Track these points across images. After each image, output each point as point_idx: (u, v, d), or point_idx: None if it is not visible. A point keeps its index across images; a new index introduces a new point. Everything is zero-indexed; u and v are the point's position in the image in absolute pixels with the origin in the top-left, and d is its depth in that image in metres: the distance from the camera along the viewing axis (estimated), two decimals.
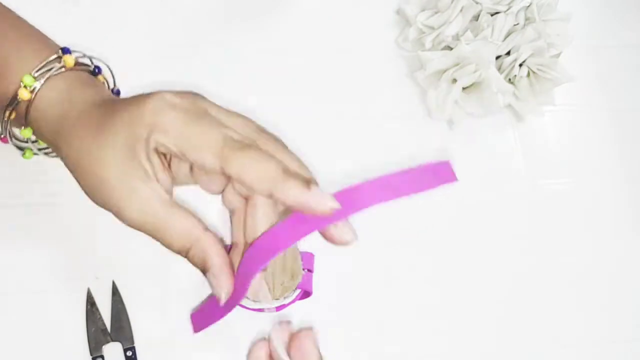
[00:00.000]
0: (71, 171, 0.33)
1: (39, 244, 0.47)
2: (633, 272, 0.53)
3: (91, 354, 0.44)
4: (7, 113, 0.35)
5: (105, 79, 0.41)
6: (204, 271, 0.31)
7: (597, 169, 0.56)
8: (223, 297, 0.31)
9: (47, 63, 0.35)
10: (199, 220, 0.31)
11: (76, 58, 0.37)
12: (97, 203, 0.33)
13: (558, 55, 0.55)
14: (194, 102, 0.31)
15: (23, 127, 0.35)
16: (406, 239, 0.51)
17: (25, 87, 0.34)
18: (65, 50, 0.37)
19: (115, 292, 0.46)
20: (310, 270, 0.46)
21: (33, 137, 0.37)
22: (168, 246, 0.32)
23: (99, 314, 0.45)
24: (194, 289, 0.48)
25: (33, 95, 0.34)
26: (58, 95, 0.35)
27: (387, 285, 0.50)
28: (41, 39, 0.38)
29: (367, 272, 0.49)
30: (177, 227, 0.31)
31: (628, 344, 0.51)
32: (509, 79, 0.54)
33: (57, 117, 0.34)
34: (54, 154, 0.40)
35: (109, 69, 0.41)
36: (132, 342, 0.45)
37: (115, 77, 0.50)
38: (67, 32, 0.52)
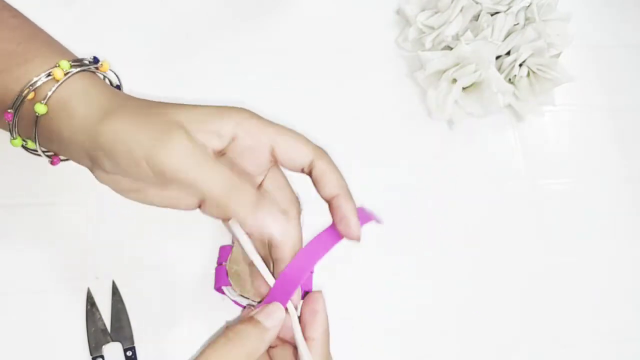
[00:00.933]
0: (112, 149, 0.33)
1: (39, 244, 0.47)
2: (633, 272, 0.53)
3: (91, 354, 0.44)
4: (27, 90, 0.35)
5: None
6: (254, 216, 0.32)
7: (597, 169, 0.56)
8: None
9: (82, 59, 0.37)
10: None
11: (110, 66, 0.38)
12: (139, 157, 0.32)
13: (558, 55, 0.55)
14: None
15: (40, 103, 0.34)
16: (406, 239, 0.51)
17: (60, 68, 0.35)
18: (96, 59, 0.38)
19: (115, 292, 0.46)
20: (310, 271, 0.46)
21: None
22: (209, 192, 0.32)
23: (99, 314, 0.45)
24: (194, 289, 0.48)
25: (65, 78, 0.35)
26: (90, 85, 0.35)
27: (385, 286, 0.50)
28: (66, 48, 0.39)
29: (367, 273, 0.49)
30: (222, 174, 0.32)
31: (628, 344, 0.51)
32: (509, 79, 0.54)
33: (98, 98, 0.34)
34: (48, 152, 0.40)
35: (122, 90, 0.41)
36: (132, 342, 0.45)
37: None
38: (66, 32, 0.52)
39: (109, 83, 0.39)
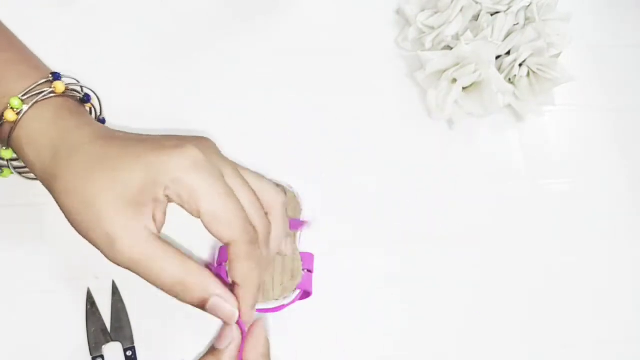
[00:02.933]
0: (61, 201, 0.33)
1: (39, 244, 0.47)
2: (633, 272, 0.53)
3: (91, 354, 0.44)
4: None
5: (92, 106, 0.40)
6: (204, 303, 0.33)
7: (597, 169, 0.56)
8: (236, 315, 0.34)
9: (36, 86, 0.35)
10: (188, 256, 0.34)
11: (66, 85, 0.37)
12: (85, 235, 0.33)
13: (558, 55, 0.55)
14: (212, 162, 0.34)
15: (4, 148, 0.35)
16: (405, 239, 0.51)
17: (12, 108, 0.34)
18: (56, 76, 0.37)
19: (115, 292, 0.46)
20: (310, 271, 0.46)
21: (14, 155, 0.37)
22: (157, 280, 0.33)
23: (99, 313, 0.45)
24: None
25: (19, 117, 0.34)
26: (46, 121, 0.35)
27: (386, 286, 0.50)
28: (32, 62, 0.38)
29: (366, 273, 0.49)
30: (169, 262, 0.33)
31: (628, 344, 0.51)
32: (509, 79, 0.54)
33: (47, 145, 0.34)
34: (30, 175, 0.40)
35: (97, 96, 0.41)
36: (132, 342, 0.45)
37: (114, 76, 0.51)
38: (65, 32, 0.52)
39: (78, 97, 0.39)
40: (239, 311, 0.34)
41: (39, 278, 0.46)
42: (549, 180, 0.55)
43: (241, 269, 0.34)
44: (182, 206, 0.33)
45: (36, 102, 0.35)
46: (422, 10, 0.55)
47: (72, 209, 0.33)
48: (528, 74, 0.54)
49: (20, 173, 0.41)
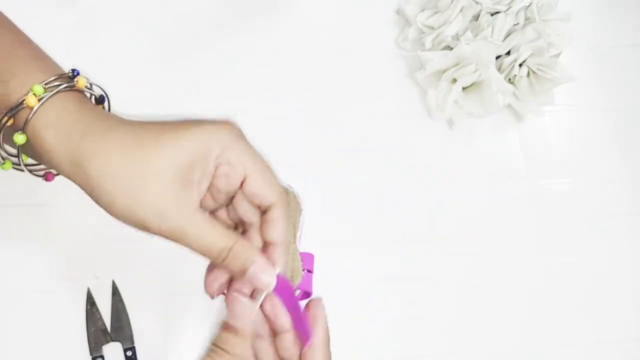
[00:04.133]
0: (98, 181, 0.33)
1: (39, 244, 0.47)
2: (633, 272, 0.53)
3: (91, 354, 0.44)
4: (6, 118, 0.34)
5: (104, 107, 0.41)
6: (245, 271, 0.34)
7: (597, 169, 0.56)
8: (273, 284, 0.35)
9: (58, 78, 0.35)
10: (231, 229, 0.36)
11: (87, 81, 0.37)
12: (127, 214, 0.33)
13: (558, 55, 0.55)
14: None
15: (19, 133, 0.34)
16: (405, 239, 0.51)
17: (33, 94, 0.34)
18: (76, 72, 0.37)
19: (115, 292, 0.46)
20: (310, 271, 0.46)
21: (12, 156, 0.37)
22: (204, 249, 0.34)
23: (99, 314, 0.45)
24: (194, 288, 0.48)
25: (40, 103, 0.34)
26: (69, 108, 0.35)
27: (385, 286, 0.50)
28: (51, 60, 0.38)
29: (366, 273, 0.49)
30: (216, 231, 0.34)
31: (628, 344, 0.51)
32: (509, 79, 0.54)
33: (74, 128, 0.34)
34: (39, 167, 0.40)
35: (108, 99, 0.41)
36: (132, 342, 0.45)
37: (114, 76, 0.51)
38: (67, 32, 0.52)
39: (90, 96, 0.39)
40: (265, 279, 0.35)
41: (39, 278, 0.46)
42: (549, 180, 0.55)
43: (281, 229, 0.36)
44: (225, 177, 0.35)
45: (58, 91, 0.35)
46: (422, 10, 0.55)
47: (112, 188, 0.33)
48: (528, 74, 0.54)
49: (30, 171, 0.40)
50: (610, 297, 0.52)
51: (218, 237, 0.34)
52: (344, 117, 0.53)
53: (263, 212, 0.36)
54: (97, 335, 0.44)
